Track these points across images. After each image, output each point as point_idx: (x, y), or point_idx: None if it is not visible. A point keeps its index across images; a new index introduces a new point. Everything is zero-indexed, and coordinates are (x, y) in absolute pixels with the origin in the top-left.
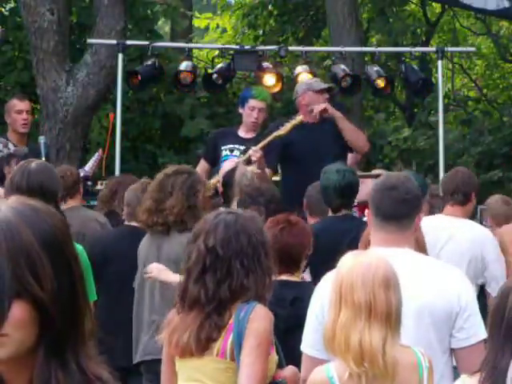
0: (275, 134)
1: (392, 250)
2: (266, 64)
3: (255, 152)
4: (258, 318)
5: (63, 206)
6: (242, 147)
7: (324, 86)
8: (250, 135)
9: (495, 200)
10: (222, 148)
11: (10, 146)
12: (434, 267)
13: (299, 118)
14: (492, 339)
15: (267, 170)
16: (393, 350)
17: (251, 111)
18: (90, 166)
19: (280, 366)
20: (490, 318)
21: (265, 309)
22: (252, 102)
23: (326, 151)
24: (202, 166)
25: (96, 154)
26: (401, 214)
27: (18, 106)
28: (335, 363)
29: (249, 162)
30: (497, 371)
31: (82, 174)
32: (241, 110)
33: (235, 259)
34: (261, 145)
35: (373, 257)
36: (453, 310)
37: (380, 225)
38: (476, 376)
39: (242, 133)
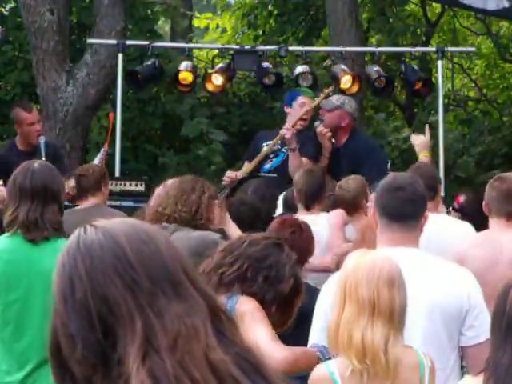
0: (307, 107)
1: (399, 249)
2: (266, 64)
3: (287, 130)
4: (244, 303)
5: (85, 204)
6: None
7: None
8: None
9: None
10: (264, 144)
11: None
12: (442, 266)
13: (330, 89)
14: (493, 337)
15: (304, 160)
16: (395, 348)
17: (301, 107)
18: (96, 163)
19: None
20: (491, 316)
21: (249, 297)
22: (301, 99)
23: None
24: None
25: (102, 150)
26: (407, 214)
27: (30, 119)
28: (337, 360)
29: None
30: (499, 369)
31: None
32: (287, 110)
33: None
34: (291, 124)
35: (378, 256)
36: (463, 308)
37: (386, 225)
38: (480, 376)
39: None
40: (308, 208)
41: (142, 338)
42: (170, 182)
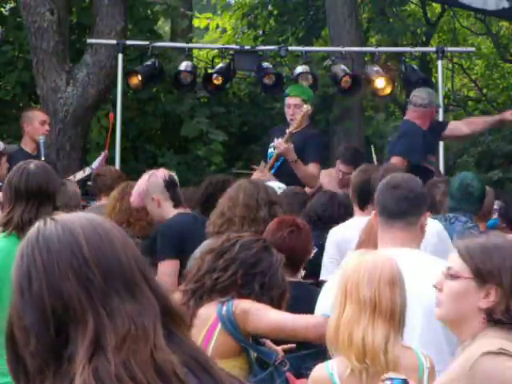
0: (290, 129)
1: (399, 249)
2: (265, 64)
3: (279, 144)
4: (240, 302)
5: (96, 203)
6: None
7: (419, 101)
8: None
9: None
10: (270, 145)
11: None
12: (442, 267)
13: (306, 107)
14: None
15: (311, 165)
16: (395, 348)
17: (288, 109)
18: (96, 166)
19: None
20: None
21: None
22: (287, 100)
23: None
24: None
25: (102, 154)
26: (404, 211)
27: (43, 117)
28: (336, 360)
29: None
30: None
31: (87, 173)
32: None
33: None
34: (284, 139)
35: (379, 255)
36: None
37: (385, 224)
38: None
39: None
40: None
41: (92, 338)
42: None
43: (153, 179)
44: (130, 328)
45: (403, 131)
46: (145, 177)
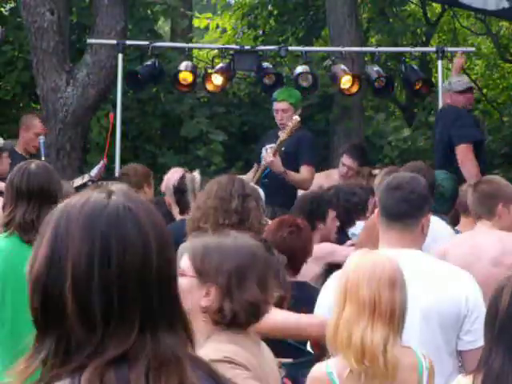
0: (280, 139)
1: (398, 250)
2: (265, 64)
3: (267, 157)
4: None
5: None
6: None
7: (465, 86)
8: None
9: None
10: (263, 148)
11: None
12: (441, 269)
13: (295, 119)
14: (486, 339)
15: (303, 168)
16: (394, 349)
17: (276, 114)
18: (94, 173)
19: None
20: (484, 318)
21: None
22: (274, 106)
23: None
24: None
25: (101, 162)
26: (404, 213)
27: (39, 129)
28: (335, 359)
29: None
30: (490, 371)
31: (86, 180)
32: None
33: None
34: (272, 150)
35: (380, 256)
36: (460, 313)
37: (386, 225)
38: (470, 376)
39: (280, 133)
40: None
41: (125, 348)
42: None
43: (166, 182)
44: (171, 357)
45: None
46: (168, 175)
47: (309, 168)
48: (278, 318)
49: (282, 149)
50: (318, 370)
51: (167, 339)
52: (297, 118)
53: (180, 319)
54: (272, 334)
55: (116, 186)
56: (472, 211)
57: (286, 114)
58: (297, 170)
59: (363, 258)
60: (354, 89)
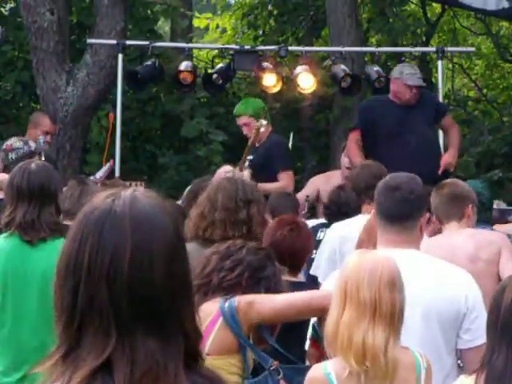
0: (248, 147)
1: (397, 251)
2: (265, 64)
3: (240, 169)
4: (242, 297)
5: None
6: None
7: (416, 83)
8: (258, 144)
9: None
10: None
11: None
12: (440, 268)
13: (257, 125)
14: (488, 338)
15: (282, 175)
16: (394, 350)
17: (242, 128)
18: (100, 175)
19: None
20: (487, 317)
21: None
22: (237, 121)
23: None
24: None
25: (108, 164)
26: (403, 214)
27: (49, 127)
28: (333, 361)
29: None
30: (493, 369)
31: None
32: None
33: None
34: (242, 161)
35: (379, 256)
36: (460, 312)
37: (384, 226)
38: (473, 376)
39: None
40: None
41: (103, 357)
42: None
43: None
44: (152, 366)
45: None
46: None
47: (286, 174)
48: (277, 302)
49: (250, 157)
50: (316, 371)
51: (151, 344)
52: (261, 122)
53: (176, 324)
54: (275, 319)
55: (139, 190)
56: (440, 214)
57: (248, 126)
58: (274, 179)
59: (362, 259)
60: (354, 89)
